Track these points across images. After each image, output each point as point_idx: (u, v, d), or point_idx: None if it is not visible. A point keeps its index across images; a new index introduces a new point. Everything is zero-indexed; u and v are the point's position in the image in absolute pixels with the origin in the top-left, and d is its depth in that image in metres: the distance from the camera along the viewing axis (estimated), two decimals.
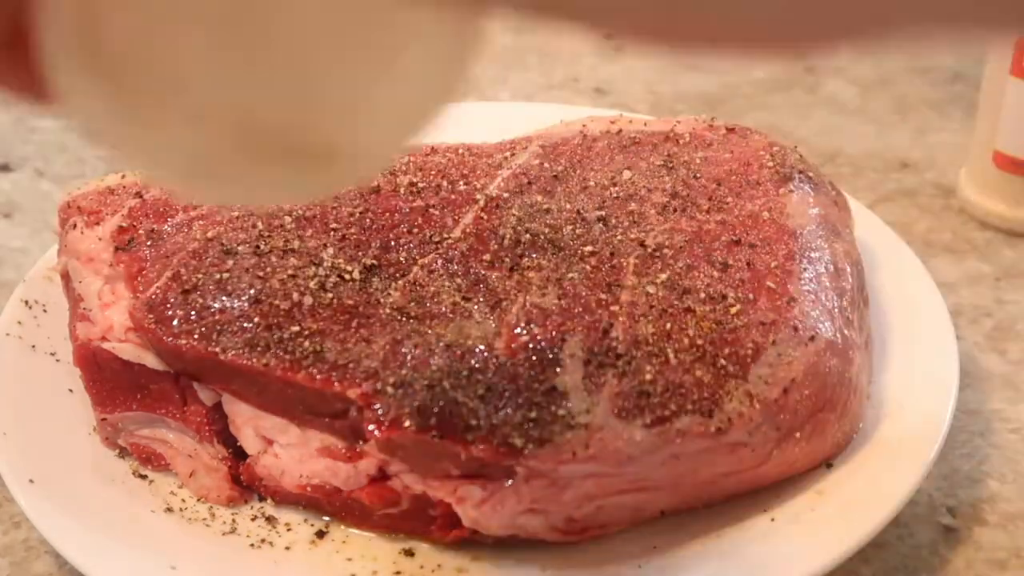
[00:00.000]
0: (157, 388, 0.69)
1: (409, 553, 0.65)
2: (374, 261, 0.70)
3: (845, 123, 1.10)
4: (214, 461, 0.68)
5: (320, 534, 0.66)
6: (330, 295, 0.67)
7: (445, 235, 0.72)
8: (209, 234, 0.71)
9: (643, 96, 1.15)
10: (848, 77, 1.18)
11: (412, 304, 0.67)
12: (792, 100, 1.14)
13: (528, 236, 0.72)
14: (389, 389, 0.63)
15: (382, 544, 0.65)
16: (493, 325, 0.66)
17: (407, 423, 0.61)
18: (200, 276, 0.68)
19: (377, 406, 0.63)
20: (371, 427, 0.62)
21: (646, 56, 1.21)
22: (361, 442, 0.65)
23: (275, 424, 0.67)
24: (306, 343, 0.65)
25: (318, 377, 0.64)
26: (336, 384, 0.64)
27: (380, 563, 0.64)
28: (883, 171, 1.02)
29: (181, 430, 0.69)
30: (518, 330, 0.66)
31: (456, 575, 0.63)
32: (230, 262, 0.69)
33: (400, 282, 0.69)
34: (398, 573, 0.63)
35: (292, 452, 0.67)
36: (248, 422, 0.68)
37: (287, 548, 0.65)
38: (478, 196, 0.75)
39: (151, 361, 0.68)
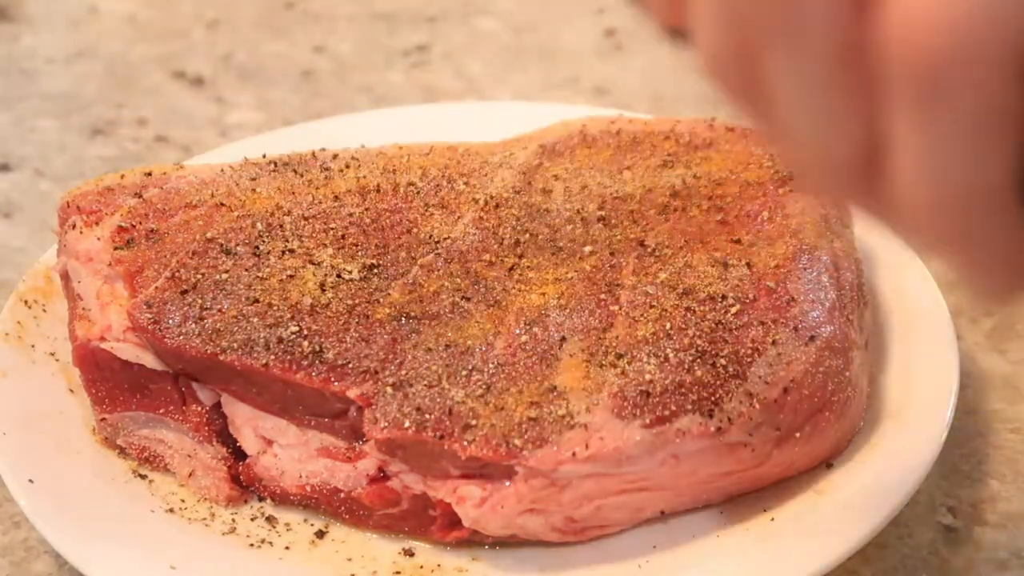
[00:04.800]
0: (156, 388, 0.69)
1: (409, 553, 0.65)
2: (374, 261, 0.70)
3: None
4: (213, 461, 0.68)
5: (320, 534, 0.66)
6: (329, 295, 0.67)
7: (445, 235, 0.72)
8: (208, 234, 0.71)
9: (643, 96, 1.15)
10: None
11: (412, 304, 0.67)
12: None
13: (528, 236, 0.72)
14: (389, 389, 0.63)
15: (382, 544, 0.65)
16: (493, 325, 0.66)
17: (407, 423, 0.61)
18: (199, 276, 0.68)
19: (376, 406, 0.63)
20: (371, 427, 0.62)
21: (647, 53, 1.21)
22: (361, 442, 0.65)
23: (275, 424, 0.67)
24: (305, 343, 0.65)
25: (317, 377, 0.64)
26: (335, 384, 0.64)
27: (380, 563, 0.64)
28: None
29: (181, 430, 0.69)
30: (518, 330, 0.66)
31: (456, 575, 0.63)
32: (229, 262, 0.69)
33: (400, 282, 0.69)
34: (398, 573, 0.63)
35: (292, 452, 0.67)
36: (248, 422, 0.68)
37: (287, 548, 0.65)
38: (478, 196, 0.75)
39: (150, 361, 0.68)
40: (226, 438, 0.69)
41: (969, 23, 0.26)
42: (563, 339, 0.65)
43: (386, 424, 0.62)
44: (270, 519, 0.67)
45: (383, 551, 0.65)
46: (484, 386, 0.63)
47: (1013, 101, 0.28)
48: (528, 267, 0.70)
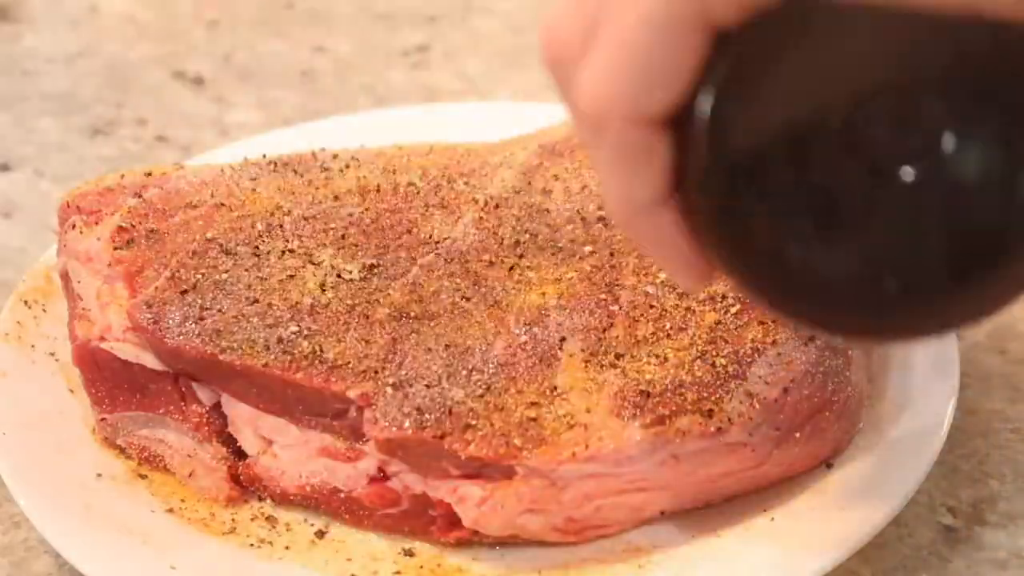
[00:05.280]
0: (156, 388, 0.69)
1: (409, 553, 0.65)
2: (374, 261, 0.70)
3: None
4: (213, 461, 0.68)
5: (320, 534, 0.66)
6: (329, 295, 0.68)
7: (445, 235, 0.72)
8: (208, 234, 0.71)
9: None
10: None
11: (412, 304, 0.67)
12: None
13: (528, 236, 0.72)
14: (388, 389, 0.63)
15: (382, 544, 0.65)
16: (493, 325, 0.66)
17: (407, 423, 0.61)
18: (199, 276, 0.69)
19: (376, 406, 0.63)
20: (371, 427, 0.62)
21: None
22: (361, 442, 0.65)
23: (275, 424, 0.67)
24: (305, 343, 0.65)
25: (317, 377, 0.64)
26: (335, 384, 0.64)
27: (380, 563, 0.64)
28: None
29: (181, 430, 0.69)
30: (518, 330, 0.66)
31: (456, 575, 0.63)
32: (229, 262, 0.69)
33: (400, 282, 0.69)
34: (398, 573, 0.63)
35: (292, 452, 0.67)
36: (248, 422, 0.68)
37: (287, 548, 0.65)
38: (478, 196, 0.75)
39: (150, 361, 0.68)
40: (226, 438, 0.69)
41: (600, 99, 0.42)
42: (563, 339, 0.65)
43: (386, 424, 0.62)
44: (270, 519, 0.67)
45: (383, 551, 0.65)
46: (484, 386, 0.63)
47: (647, 140, 0.42)
48: (528, 267, 0.70)
